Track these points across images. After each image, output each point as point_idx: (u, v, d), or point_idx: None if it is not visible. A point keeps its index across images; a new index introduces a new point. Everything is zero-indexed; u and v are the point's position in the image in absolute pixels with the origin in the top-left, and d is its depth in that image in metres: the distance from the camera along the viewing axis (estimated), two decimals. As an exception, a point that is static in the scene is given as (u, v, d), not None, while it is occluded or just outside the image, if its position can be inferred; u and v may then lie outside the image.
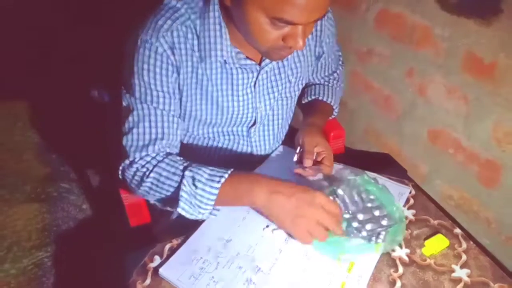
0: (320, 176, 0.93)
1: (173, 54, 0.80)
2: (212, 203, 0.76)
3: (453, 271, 0.74)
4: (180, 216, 0.95)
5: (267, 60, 0.88)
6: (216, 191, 0.75)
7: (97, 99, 1.10)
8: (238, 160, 1.01)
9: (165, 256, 0.76)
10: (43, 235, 1.40)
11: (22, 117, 1.94)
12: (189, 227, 0.79)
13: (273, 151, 1.05)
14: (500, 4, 0.87)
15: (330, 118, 1.12)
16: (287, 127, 1.09)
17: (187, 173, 0.77)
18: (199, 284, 0.69)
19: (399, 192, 0.90)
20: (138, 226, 0.99)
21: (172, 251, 0.76)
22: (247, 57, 0.86)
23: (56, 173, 1.66)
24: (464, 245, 0.79)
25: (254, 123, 0.97)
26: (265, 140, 1.02)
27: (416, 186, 0.93)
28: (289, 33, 0.71)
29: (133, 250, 0.78)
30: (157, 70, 0.80)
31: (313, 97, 1.07)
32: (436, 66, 1.04)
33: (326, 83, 1.10)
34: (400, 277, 0.73)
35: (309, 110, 1.05)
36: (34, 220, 1.45)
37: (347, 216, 0.77)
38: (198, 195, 0.75)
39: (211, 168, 0.78)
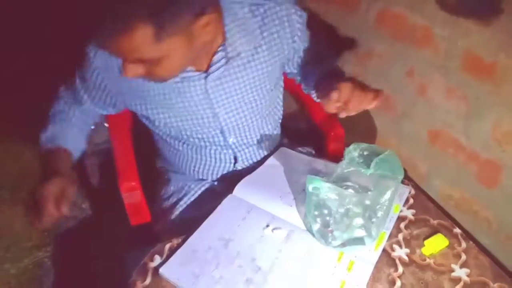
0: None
1: (107, 71, 0.86)
2: None
3: (452, 270, 0.74)
4: (180, 215, 0.95)
5: (214, 67, 0.84)
6: None
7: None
8: (223, 172, 1.00)
9: (165, 255, 0.76)
10: (43, 234, 1.40)
11: (22, 117, 1.93)
12: (189, 226, 0.79)
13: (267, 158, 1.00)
14: (500, 4, 0.87)
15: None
16: (275, 136, 1.03)
17: None
18: (199, 283, 0.69)
19: (399, 192, 0.90)
20: (138, 225, 0.99)
21: (172, 250, 0.76)
22: (189, 70, 0.83)
23: (56, 172, 1.66)
24: (464, 244, 0.79)
25: (222, 130, 0.93)
26: (248, 150, 0.99)
27: (415, 186, 0.93)
28: None
29: (133, 250, 0.78)
30: (87, 76, 0.91)
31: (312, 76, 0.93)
32: (436, 66, 1.04)
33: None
34: (399, 276, 0.73)
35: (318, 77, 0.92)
36: (34, 219, 1.44)
37: (341, 209, 0.75)
38: None
39: None
